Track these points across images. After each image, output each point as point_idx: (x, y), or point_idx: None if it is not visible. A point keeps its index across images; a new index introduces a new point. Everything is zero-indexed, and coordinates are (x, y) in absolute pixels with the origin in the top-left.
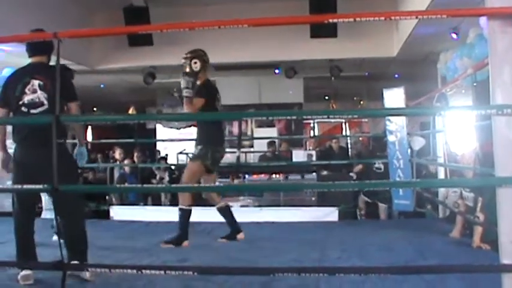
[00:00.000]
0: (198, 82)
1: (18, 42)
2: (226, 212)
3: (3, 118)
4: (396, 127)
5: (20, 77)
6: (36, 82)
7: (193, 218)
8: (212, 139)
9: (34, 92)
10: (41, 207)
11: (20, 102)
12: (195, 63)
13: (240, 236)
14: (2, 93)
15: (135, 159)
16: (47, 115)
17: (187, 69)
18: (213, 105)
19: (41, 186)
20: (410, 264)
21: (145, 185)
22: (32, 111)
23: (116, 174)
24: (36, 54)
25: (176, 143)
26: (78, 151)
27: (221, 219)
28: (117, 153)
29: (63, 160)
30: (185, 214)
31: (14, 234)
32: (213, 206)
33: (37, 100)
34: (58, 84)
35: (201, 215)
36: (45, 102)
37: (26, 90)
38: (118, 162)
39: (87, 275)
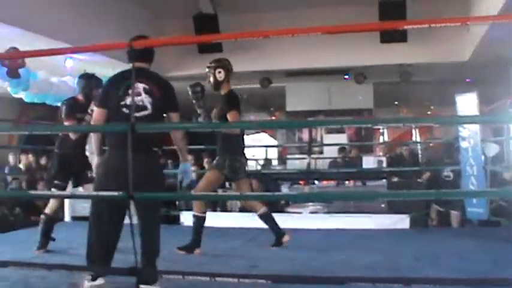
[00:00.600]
0: (222, 92)
1: (94, 52)
2: (267, 218)
3: (101, 120)
4: (469, 133)
5: (124, 79)
6: (141, 85)
7: (264, 224)
8: (231, 149)
9: (138, 95)
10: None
11: (122, 103)
12: (219, 72)
13: (285, 239)
14: (103, 93)
15: (205, 165)
16: (150, 120)
17: (211, 79)
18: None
19: (115, 193)
20: (486, 276)
21: (212, 193)
22: (133, 114)
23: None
24: (140, 60)
25: (246, 149)
26: (183, 168)
27: (290, 225)
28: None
29: (158, 169)
30: (199, 221)
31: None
32: (281, 212)
33: (140, 103)
34: (132, 92)
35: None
36: (149, 106)
37: (130, 92)
38: None
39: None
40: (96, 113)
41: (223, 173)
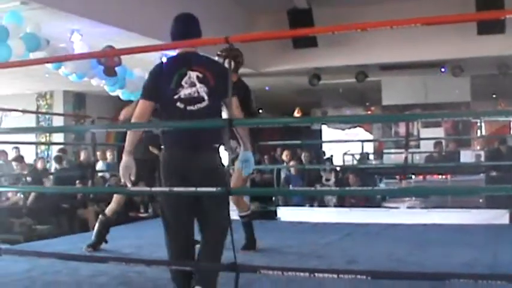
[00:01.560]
0: None
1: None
2: (247, 222)
3: (146, 114)
4: None
5: (175, 68)
6: (193, 74)
7: (363, 219)
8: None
9: (192, 86)
10: None
11: (176, 97)
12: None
13: (257, 245)
14: (151, 84)
15: (303, 159)
16: (207, 112)
17: None
18: (250, 106)
19: (213, 189)
20: None
21: (309, 188)
22: (189, 107)
23: (283, 176)
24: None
25: (341, 144)
26: (244, 157)
27: (387, 220)
28: (284, 155)
29: (222, 165)
30: (249, 220)
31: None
32: (378, 207)
33: (196, 95)
34: (230, 86)
35: (368, 216)
36: (206, 97)
37: (183, 83)
38: (285, 164)
39: None
40: (141, 104)
41: None
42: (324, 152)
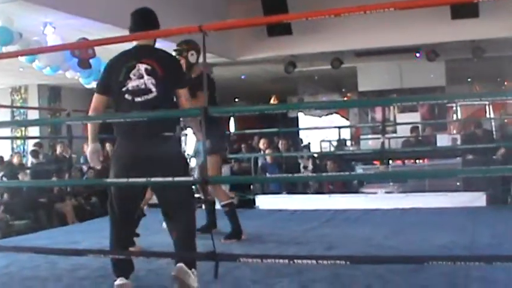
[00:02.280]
0: (193, 75)
1: (165, 37)
2: (231, 211)
3: (99, 107)
4: None
5: (123, 62)
6: (142, 66)
7: (341, 205)
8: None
9: (140, 78)
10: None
11: (124, 89)
12: (192, 55)
13: (243, 237)
14: (103, 78)
15: (280, 147)
16: (155, 104)
17: (182, 61)
18: (214, 98)
19: (191, 178)
20: None
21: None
22: (137, 99)
23: (259, 164)
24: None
25: (319, 131)
26: (197, 147)
27: (365, 206)
28: (261, 143)
29: (177, 153)
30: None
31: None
32: (356, 193)
33: (143, 86)
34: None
35: (346, 202)
36: (153, 89)
37: (131, 75)
38: (262, 152)
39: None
40: (94, 99)
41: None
42: (301, 140)
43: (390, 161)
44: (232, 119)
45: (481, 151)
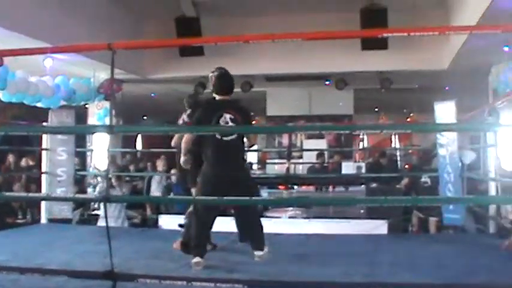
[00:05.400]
0: None
1: (74, 53)
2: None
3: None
4: (447, 140)
5: (215, 110)
6: (227, 116)
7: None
8: None
9: (226, 123)
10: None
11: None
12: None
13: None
14: (197, 120)
15: None
16: (234, 142)
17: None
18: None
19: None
20: (462, 281)
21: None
22: (224, 138)
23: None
24: (227, 94)
25: None
26: None
27: (269, 230)
28: (161, 165)
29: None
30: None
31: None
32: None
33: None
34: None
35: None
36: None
37: (220, 122)
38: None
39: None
40: (187, 135)
41: None
42: None
43: (295, 186)
44: (139, 136)
45: (385, 180)
